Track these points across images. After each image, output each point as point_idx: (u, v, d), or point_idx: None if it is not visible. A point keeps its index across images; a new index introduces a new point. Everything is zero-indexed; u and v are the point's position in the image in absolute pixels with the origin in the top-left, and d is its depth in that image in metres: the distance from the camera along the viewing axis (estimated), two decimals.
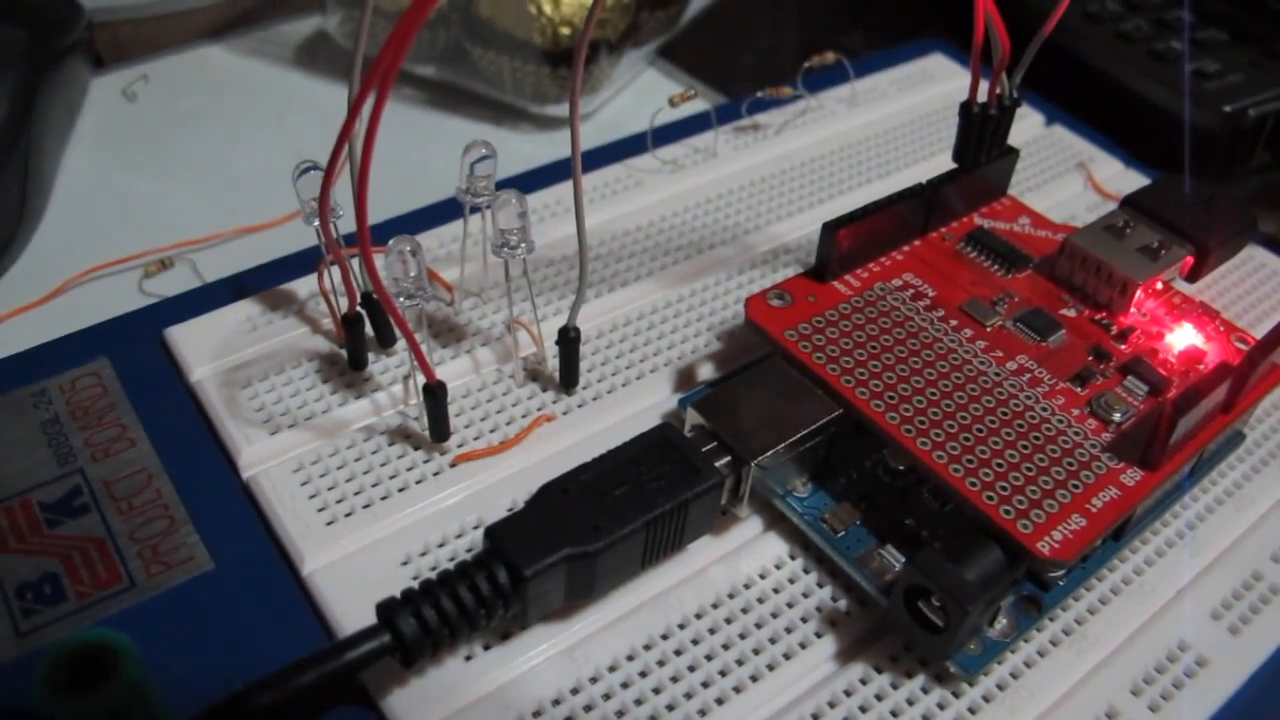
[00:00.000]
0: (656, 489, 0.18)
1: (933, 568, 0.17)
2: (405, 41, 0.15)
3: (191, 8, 0.35)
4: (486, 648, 0.18)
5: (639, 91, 0.34)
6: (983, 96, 0.21)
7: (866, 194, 0.27)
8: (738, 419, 0.19)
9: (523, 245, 0.20)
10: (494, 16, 0.30)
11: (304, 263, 0.24)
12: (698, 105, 0.29)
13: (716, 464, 0.18)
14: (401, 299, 0.19)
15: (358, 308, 0.21)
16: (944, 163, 0.28)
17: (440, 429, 0.20)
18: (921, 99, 0.30)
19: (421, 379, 0.19)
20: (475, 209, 0.21)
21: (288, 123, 0.32)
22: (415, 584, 0.17)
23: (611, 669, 0.18)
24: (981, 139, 0.22)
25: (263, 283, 0.24)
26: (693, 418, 0.19)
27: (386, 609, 0.16)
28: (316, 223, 0.21)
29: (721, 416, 0.19)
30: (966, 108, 0.21)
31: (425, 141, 0.31)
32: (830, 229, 0.21)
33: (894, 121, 0.29)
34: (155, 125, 0.32)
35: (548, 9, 0.29)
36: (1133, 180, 0.28)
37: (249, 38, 0.35)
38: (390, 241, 0.19)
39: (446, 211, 0.25)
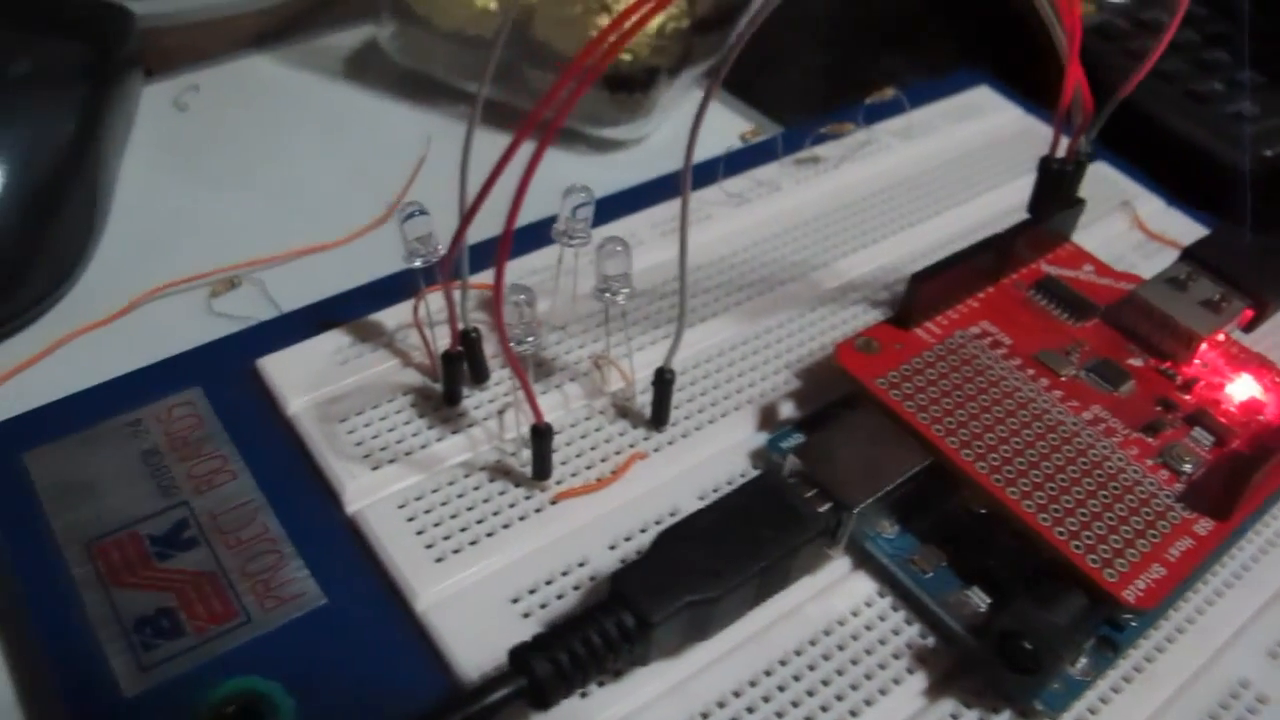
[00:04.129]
0: (769, 536, 0.19)
1: (1028, 616, 0.18)
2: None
3: (237, 13, 0.35)
4: (600, 684, 0.19)
5: (689, 114, 0.34)
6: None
7: (925, 230, 0.28)
8: (836, 466, 0.20)
9: (624, 291, 0.21)
10: (551, 39, 0.31)
11: (384, 292, 0.25)
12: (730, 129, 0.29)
13: (819, 510, 0.19)
14: (512, 344, 0.20)
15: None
16: (997, 199, 0.29)
17: (543, 468, 0.21)
18: (971, 133, 0.31)
19: (516, 414, 0.20)
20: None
21: (341, 136, 0.32)
22: (544, 629, 0.18)
23: (720, 705, 0.19)
24: (1056, 192, 0.23)
25: (346, 312, 0.24)
26: (793, 464, 0.20)
27: (521, 653, 0.17)
28: (418, 262, 0.21)
29: (821, 463, 0.20)
30: (1046, 164, 0.22)
31: (481, 162, 0.32)
32: (917, 281, 0.21)
33: (946, 156, 0.30)
34: (207, 137, 0.32)
35: None
36: (1174, 219, 0.29)
37: (297, 48, 0.35)
38: (507, 289, 0.19)
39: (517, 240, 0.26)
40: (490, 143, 0.18)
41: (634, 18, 0.16)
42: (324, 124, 0.33)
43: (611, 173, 0.31)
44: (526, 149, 0.17)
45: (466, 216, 0.18)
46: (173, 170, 0.31)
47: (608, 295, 0.21)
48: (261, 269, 0.28)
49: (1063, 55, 0.20)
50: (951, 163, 0.30)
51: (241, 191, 0.30)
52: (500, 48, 0.19)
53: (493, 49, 0.19)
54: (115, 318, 0.27)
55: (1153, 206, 0.30)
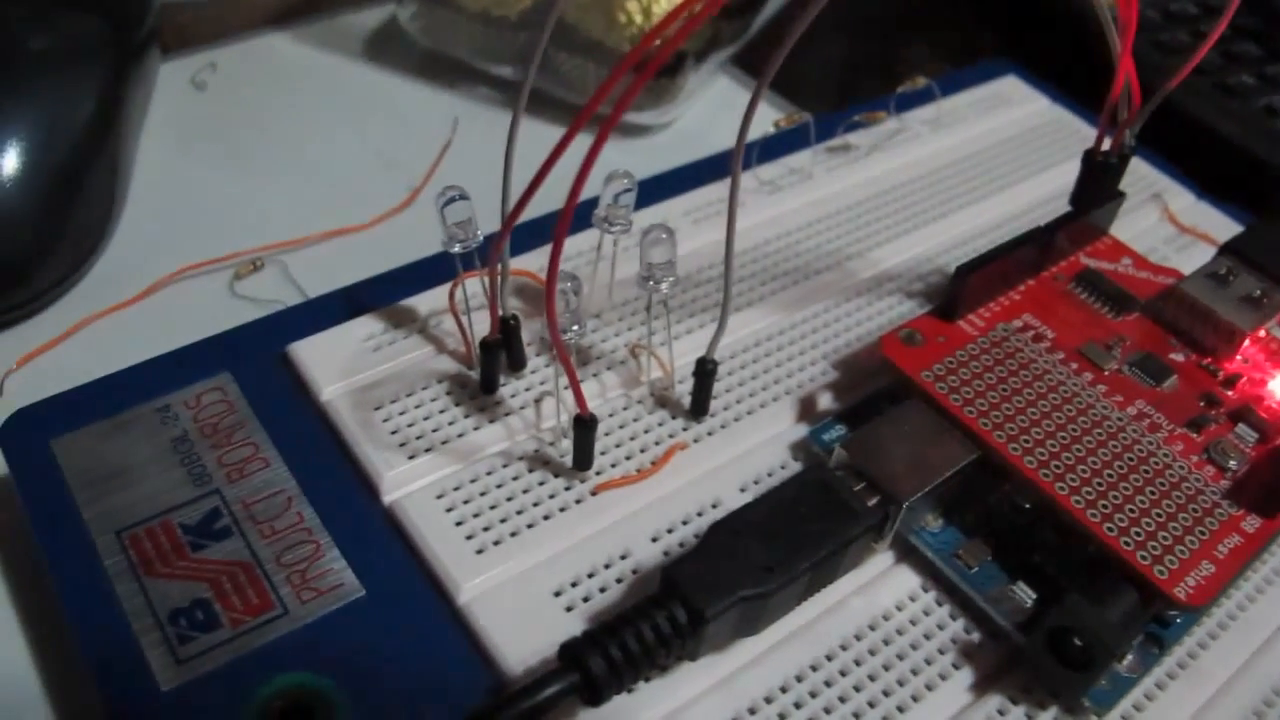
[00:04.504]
0: (820, 530, 0.18)
1: (1080, 612, 0.18)
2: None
3: None
4: (647, 679, 0.18)
5: (713, 99, 0.34)
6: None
7: (956, 221, 0.27)
8: (884, 459, 0.20)
9: (668, 279, 0.20)
10: (579, 22, 0.30)
11: (415, 277, 0.24)
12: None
13: (869, 503, 0.19)
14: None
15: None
16: (1027, 190, 0.29)
17: (585, 459, 0.21)
18: (1001, 123, 0.31)
19: (556, 403, 0.20)
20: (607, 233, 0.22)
21: (361, 117, 0.32)
22: (592, 624, 0.17)
23: (768, 700, 0.18)
24: (1100, 184, 0.23)
25: (377, 297, 0.24)
26: (839, 457, 0.20)
27: (573, 649, 0.17)
28: (458, 247, 0.21)
29: (869, 457, 0.20)
30: (1090, 156, 0.22)
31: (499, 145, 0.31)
32: (964, 273, 0.21)
33: (976, 145, 0.30)
34: (226, 117, 0.31)
35: (639, 19, 0.29)
36: (1204, 213, 0.29)
37: (316, 27, 0.34)
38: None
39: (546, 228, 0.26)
40: (520, 126, 0.18)
41: (687, 14, 0.16)
42: (344, 104, 0.32)
43: (638, 158, 0.31)
44: (555, 136, 0.16)
45: (518, 204, 0.18)
46: (191, 150, 0.30)
47: (651, 283, 0.20)
48: (284, 251, 0.28)
49: (1114, 48, 0.20)
50: (981, 153, 0.30)
51: (261, 172, 0.30)
52: (545, 40, 0.18)
53: (538, 41, 0.18)
54: (136, 300, 0.26)
55: (1183, 200, 0.29)
